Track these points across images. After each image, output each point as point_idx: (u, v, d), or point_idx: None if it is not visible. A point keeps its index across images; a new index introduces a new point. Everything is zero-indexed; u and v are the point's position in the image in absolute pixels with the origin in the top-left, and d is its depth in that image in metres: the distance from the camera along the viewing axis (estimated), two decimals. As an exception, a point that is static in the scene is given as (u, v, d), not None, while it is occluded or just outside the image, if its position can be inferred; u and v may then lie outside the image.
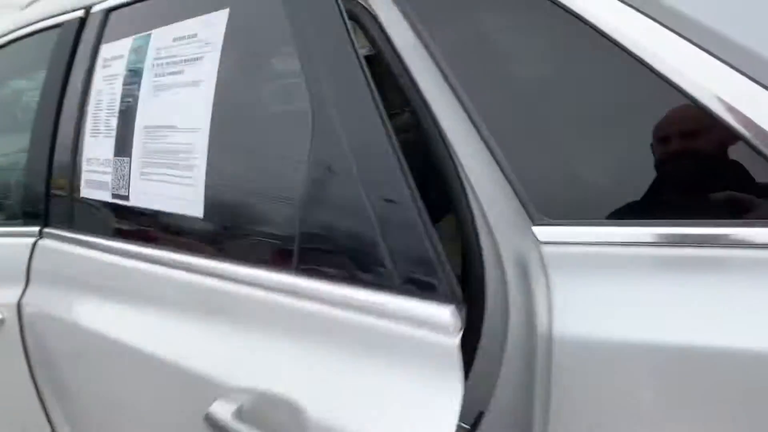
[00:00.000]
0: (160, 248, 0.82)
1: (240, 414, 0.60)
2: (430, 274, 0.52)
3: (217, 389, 0.64)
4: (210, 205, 0.75)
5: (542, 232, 0.57)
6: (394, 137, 0.58)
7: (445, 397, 0.49)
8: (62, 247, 1.05)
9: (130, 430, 0.85)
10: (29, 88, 1.24)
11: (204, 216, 0.76)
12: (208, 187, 0.76)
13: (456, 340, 0.49)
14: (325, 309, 0.58)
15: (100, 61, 1.03)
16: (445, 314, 0.50)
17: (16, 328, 1.12)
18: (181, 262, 0.77)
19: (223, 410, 0.61)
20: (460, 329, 0.49)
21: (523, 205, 0.59)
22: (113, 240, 0.93)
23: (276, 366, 0.61)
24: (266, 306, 0.65)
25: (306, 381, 0.58)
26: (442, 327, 0.49)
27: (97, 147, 1.00)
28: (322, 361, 0.57)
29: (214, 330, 0.69)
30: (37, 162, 1.14)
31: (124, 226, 0.92)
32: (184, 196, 0.79)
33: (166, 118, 0.84)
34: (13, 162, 1.25)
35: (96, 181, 1.00)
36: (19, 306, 1.11)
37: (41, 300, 1.06)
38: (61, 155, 1.09)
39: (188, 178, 0.78)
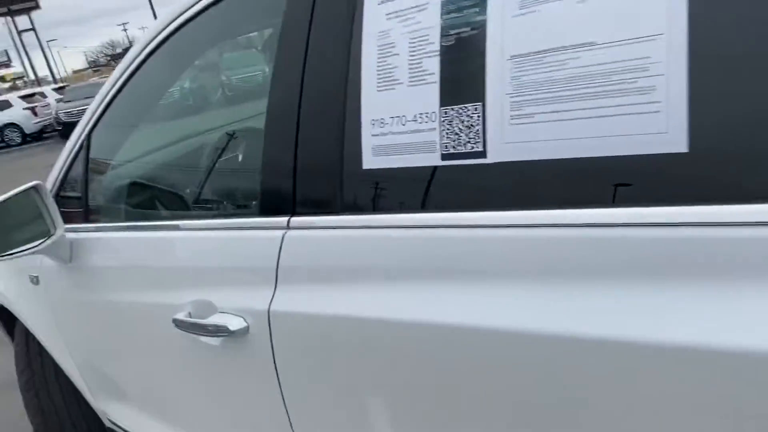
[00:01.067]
0: (575, 207, 0.62)
1: None
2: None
3: None
4: (702, 132, 0.55)
5: None
6: None
7: None
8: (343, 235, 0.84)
9: None
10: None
11: (692, 148, 0.56)
12: (694, 109, 0.56)
13: None
14: None
15: (370, -2, 0.82)
16: None
17: (266, 337, 0.91)
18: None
19: None
20: None
21: None
22: (462, 211, 0.72)
23: None
24: None
25: None
26: None
27: (394, 102, 0.79)
28: None
29: None
30: (277, 140, 0.93)
31: (485, 191, 0.71)
32: (635, 129, 0.59)
33: (564, 37, 0.63)
34: (242, 142, 1.03)
35: (397, 145, 0.79)
36: (269, 313, 0.90)
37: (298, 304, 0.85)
38: (315, 125, 0.88)
39: (643, 105, 0.58)
